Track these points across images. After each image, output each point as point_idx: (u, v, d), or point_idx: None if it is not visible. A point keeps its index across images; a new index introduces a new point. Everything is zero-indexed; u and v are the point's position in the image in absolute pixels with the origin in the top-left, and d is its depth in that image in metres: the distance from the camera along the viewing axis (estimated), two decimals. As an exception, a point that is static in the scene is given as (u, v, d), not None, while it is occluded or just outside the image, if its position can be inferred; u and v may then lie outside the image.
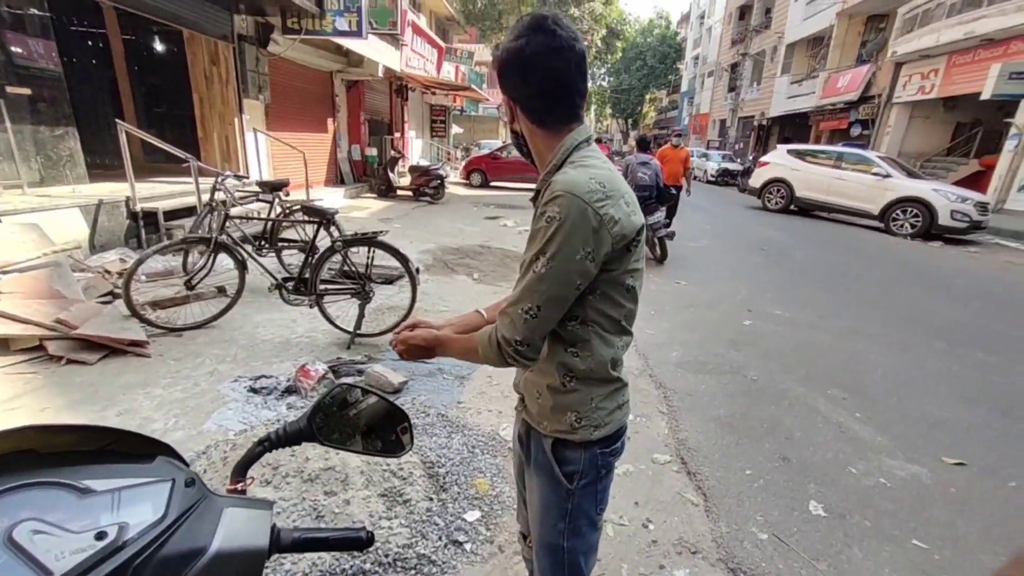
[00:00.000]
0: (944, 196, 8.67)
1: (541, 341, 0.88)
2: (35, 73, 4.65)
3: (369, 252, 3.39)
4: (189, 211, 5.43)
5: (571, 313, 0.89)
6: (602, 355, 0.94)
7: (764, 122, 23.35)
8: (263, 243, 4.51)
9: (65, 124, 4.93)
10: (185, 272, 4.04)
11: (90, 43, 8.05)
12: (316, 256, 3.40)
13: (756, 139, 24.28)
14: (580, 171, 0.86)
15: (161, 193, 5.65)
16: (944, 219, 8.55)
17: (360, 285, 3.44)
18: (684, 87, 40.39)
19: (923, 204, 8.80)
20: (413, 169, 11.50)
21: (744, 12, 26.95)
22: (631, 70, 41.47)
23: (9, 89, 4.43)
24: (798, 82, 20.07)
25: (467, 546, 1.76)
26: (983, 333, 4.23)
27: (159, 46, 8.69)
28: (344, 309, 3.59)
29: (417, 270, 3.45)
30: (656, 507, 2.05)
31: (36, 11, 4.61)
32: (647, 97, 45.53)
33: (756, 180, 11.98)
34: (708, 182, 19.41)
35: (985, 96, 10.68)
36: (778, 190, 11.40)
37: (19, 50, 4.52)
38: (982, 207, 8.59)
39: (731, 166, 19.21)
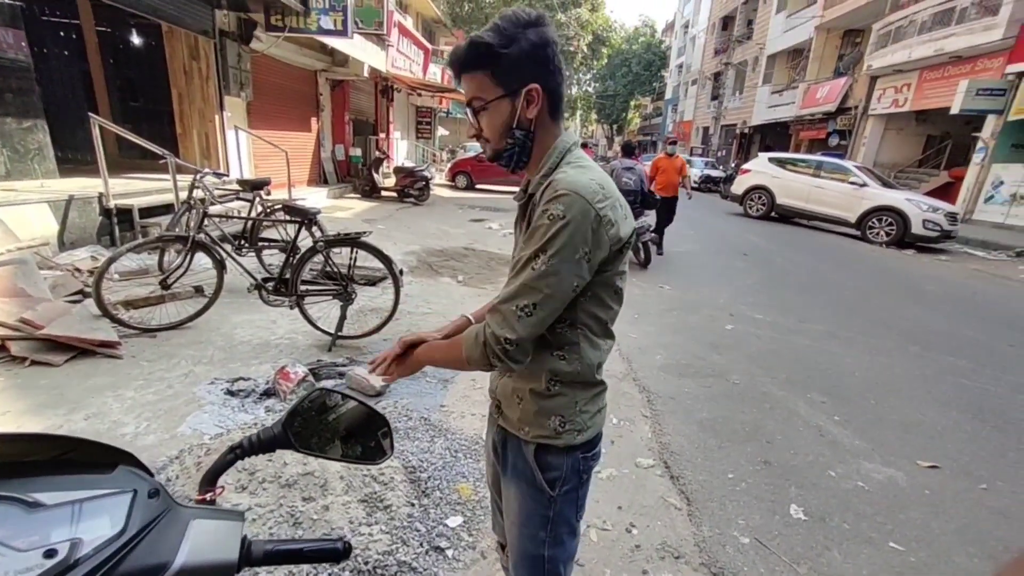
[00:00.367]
0: (916, 206, 8.94)
1: (531, 343, 0.86)
2: (3, 63, 4.47)
3: (352, 253, 3.34)
4: (166, 209, 5.28)
5: (560, 316, 0.87)
6: (590, 359, 0.93)
7: (746, 130, 23.85)
8: (243, 242, 4.41)
9: (34, 116, 4.75)
10: (161, 271, 3.92)
11: (62, 34, 7.79)
12: (297, 256, 3.33)
13: (738, 147, 24.77)
14: (580, 172, 0.85)
15: (137, 190, 5.49)
16: (917, 228, 8.82)
17: (342, 286, 3.37)
18: (668, 94, 41.01)
19: (897, 213, 9.07)
20: (398, 170, 11.41)
21: (727, 22, 27.51)
22: (616, 76, 41.99)
23: (-27, 79, 4.26)
24: (779, 92, 20.56)
25: (449, 552, 1.73)
26: (954, 338, 4.36)
27: (136, 39, 8.46)
28: (326, 310, 3.52)
29: (401, 272, 3.40)
30: (639, 511, 2.04)
31: (5, -1, 4.44)
32: (632, 103, 46.10)
33: (738, 187, 12.21)
34: (691, 188, 19.66)
35: (954, 111, 11.06)
36: (759, 197, 11.63)
37: (-14, 39, 4.35)
38: (952, 217, 8.89)
39: (714, 173, 19.53)
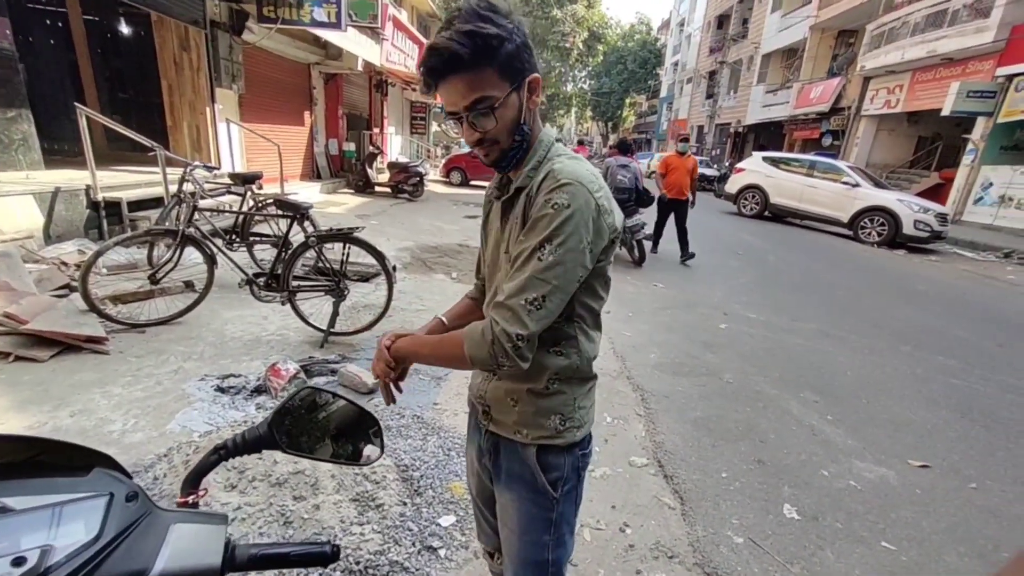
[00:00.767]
0: (908, 206, 9.03)
1: (537, 339, 0.82)
2: (-14, 51, 4.38)
3: (344, 248, 3.30)
4: (156, 202, 5.19)
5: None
6: (587, 352, 0.92)
7: (740, 129, 23.94)
8: (234, 237, 4.36)
9: (18, 106, 4.65)
10: (150, 266, 3.85)
11: (48, 22, 7.64)
12: (289, 251, 3.28)
13: (732, 146, 24.87)
14: (575, 163, 0.84)
15: (126, 182, 5.39)
16: (908, 228, 8.91)
17: (335, 282, 3.34)
18: (663, 92, 41.04)
19: (889, 214, 9.15)
20: (392, 166, 11.33)
21: (722, 21, 27.57)
22: (612, 74, 41.95)
23: (-44, 67, 4.16)
24: (773, 92, 20.65)
25: (441, 552, 1.71)
26: (944, 338, 4.41)
27: (125, 28, 8.31)
28: (318, 307, 3.48)
29: (394, 268, 3.37)
30: (633, 511, 2.04)
31: (-11, -14, 4.34)
32: (627, 101, 46.11)
33: (732, 186, 12.26)
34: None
35: (945, 112, 11.18)
36: (753, 196, 11.69)
37: (-31, 26, 4.25)
38: (942, 218, 8.99)
39: (708, 171, 19.57)
